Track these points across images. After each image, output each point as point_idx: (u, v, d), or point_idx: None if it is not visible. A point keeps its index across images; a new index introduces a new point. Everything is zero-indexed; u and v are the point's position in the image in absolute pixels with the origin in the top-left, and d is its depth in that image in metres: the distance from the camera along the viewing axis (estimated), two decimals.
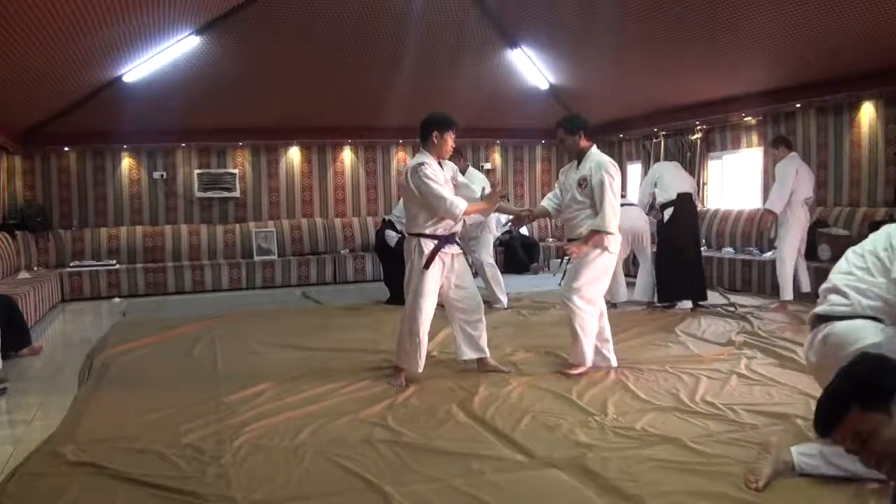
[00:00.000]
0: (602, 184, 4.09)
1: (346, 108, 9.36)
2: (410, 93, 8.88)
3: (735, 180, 8.93)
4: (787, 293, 6.12)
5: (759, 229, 6.29)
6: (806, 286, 6.25)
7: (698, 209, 6.52)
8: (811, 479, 2.51)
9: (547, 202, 4.55)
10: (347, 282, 9.43)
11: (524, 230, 10.44)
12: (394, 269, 6.40)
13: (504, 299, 6.78)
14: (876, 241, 2.56)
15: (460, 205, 3.99)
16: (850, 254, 2.64)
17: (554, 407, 3.52)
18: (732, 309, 6.17)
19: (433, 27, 7.86)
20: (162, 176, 9.59)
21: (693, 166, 8.79)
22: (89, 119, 8.51)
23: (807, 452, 2.55)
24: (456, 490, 2.55)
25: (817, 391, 3.57)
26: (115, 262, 8.90)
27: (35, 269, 8.36)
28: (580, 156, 4.31)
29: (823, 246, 6.49)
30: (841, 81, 6.80)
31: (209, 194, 9.78)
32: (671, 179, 6.41)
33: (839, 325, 2.49)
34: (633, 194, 8.27)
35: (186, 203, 9.74)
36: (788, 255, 6.11)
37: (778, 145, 6.38)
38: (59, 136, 8.87)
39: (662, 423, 3.21)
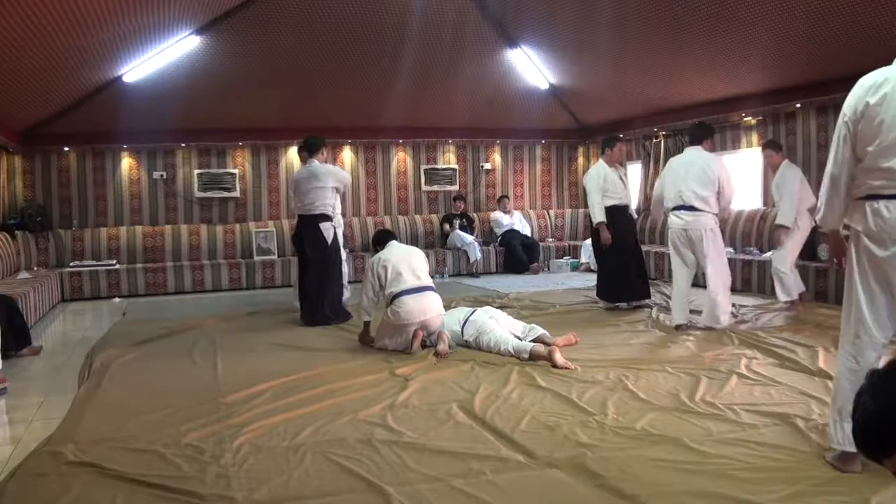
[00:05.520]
0: None
1: (346, 108, 9.35)
2: (410, 93, 8.88)
3: (735, 180, 8.89)
4: (794, 290, 6.13)
5: (773, 244, 6.28)
6: (801, 287, 6.26)
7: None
8: (811, 480, 2.51)
9: None
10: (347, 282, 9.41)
11: (525, 230, 10.43)
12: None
13: None
14: None
15: None
16: None
17: (554, 407, 3.51)
18: (733, 310, 6.15)
19: (433, 27, 7.85)
20: (162, 176, 9.60)
21: None
22: (89, 119, 8.51)
23: None
24: (456, 490, 2.54)
25: (817, 391, 3.60)
26: (115, 262, 8.90)
27: (35, 269, 8.36)
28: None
29: (823, 246, 6.48)
30: (841, 81, 6.77)
31: (209, 194, 9.79)
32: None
33: None
34: (633, 195, 8.26)
35: (186, 203, 9.74)
36: (789, 258, 6.10)
37: (774, 148, 6.38)
38: (59, 136, 8.87)
39: (662, 423, 3.21)
